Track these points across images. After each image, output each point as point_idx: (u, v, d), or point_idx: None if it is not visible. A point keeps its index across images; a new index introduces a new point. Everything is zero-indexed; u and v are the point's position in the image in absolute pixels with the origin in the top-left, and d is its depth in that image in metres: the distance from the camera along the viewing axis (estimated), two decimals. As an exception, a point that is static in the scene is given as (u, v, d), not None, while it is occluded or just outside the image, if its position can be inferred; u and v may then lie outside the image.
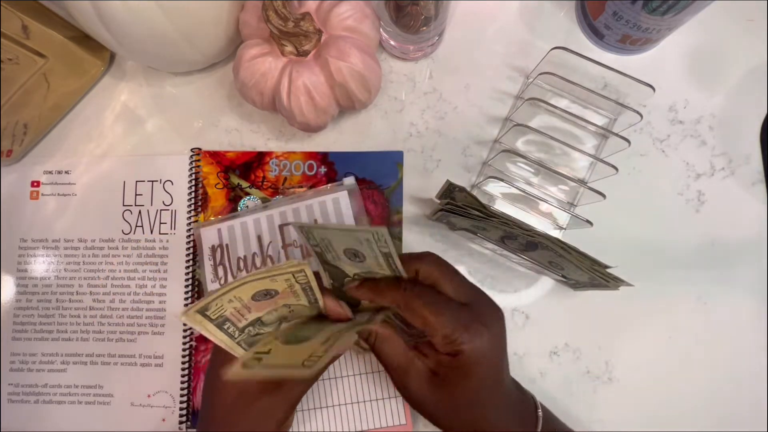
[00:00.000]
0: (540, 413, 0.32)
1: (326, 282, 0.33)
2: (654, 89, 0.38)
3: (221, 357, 0.32)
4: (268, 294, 0.30)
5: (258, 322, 0.31)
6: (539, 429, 0.31)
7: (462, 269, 0.42)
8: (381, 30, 0.41)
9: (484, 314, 0.31)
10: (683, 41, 0.44)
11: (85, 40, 0.43)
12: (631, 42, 0.42)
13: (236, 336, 0.31)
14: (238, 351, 0.31)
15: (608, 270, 0.33)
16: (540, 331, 0.41)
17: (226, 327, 0.30)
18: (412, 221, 0.43)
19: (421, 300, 0.29)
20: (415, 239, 0.42)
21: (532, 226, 0.32)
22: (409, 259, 0.31)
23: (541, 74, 0.39)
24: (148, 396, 0.41)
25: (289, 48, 0.37)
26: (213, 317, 0.30)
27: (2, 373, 0.42)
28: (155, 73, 0.46)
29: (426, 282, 0.31)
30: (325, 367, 0.32)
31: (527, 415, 0.32)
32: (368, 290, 0.32)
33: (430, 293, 0.30)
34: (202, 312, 0.29)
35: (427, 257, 0.32)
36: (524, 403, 0.32)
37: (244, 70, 0.38)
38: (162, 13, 0.35)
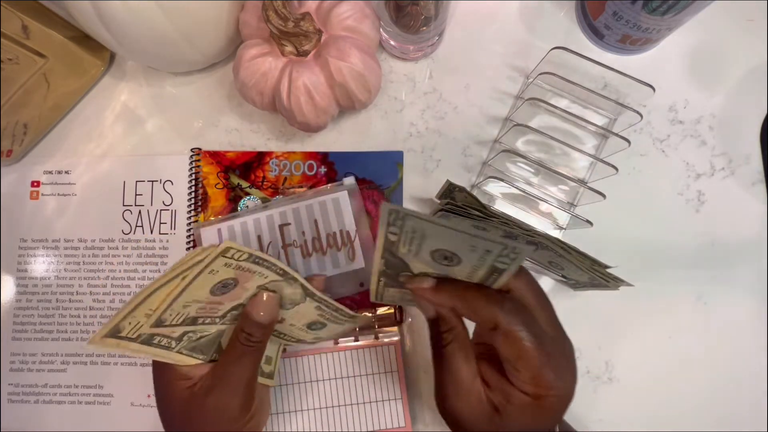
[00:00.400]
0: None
1: (378, 267, 0.27)
2: (654, 89, 0.38)
3: (162, 369, 0.30)
4: (225, 285, 0.28)
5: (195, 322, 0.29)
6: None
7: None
8: (381, 30, 0.41)
9: (571, 355, 0.27)
10: (683, 41, 0.44)
11: (85, 40, 0.43)
12: (631, 42, 0.42)
13: (173, 346, 0.29)
14: (178, 359, 0.29)
15: (608, 270, 0.33)
16: (540, 331, 0.41)
17: (155, 341, 0.28)
18: (412, 221, 0.42)
19: (527, 331, 0.25)
20: (415, 239, 0.42)
21: (532, 226, 0.32)
22: None
23: (541, 74, 0.39)
24: (148, 396, 0.41)
25: (289, 48, 0.37)
26: (133, 336, 0.26)
27: (2, 373, 0.42)
28: (155, 73, 0.46)
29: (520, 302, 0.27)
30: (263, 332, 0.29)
31: None
32: (452, 296, 0.27)
33: (535, 323, 0.26)
34: (114, 335, 0.26)
35: (523, 276, 0.27)
36: None
37: (244, 70, 0.38)
38: (162, 13, 0.35)
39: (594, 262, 0.32)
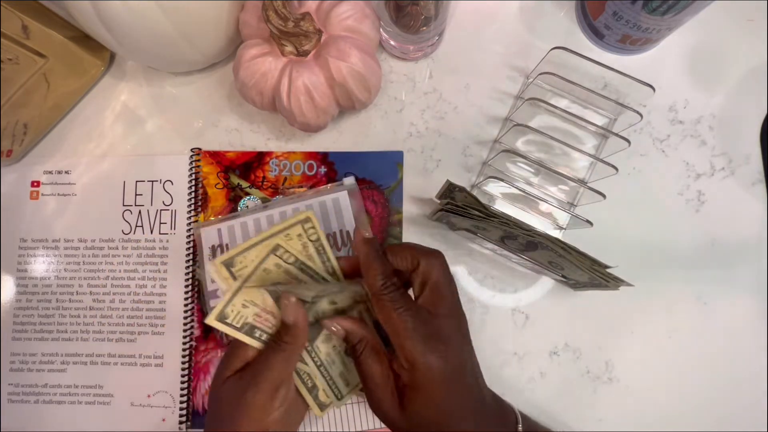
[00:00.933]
0: (520, 428, 0.31)
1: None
2: (654, 89, 0.38)
3: (227, 354, 0.33)
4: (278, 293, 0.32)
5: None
6: None
7: (462, 269, 0.42)
8: (381, 30, 0.41)
9: (450, 333, 0.29)
10: (683, 41, 0.44)
11: (85, 40, 0.43)
12: (631, 42, 0.42)
13: (242, 327, 0.32)
14: (240, 336, 0.32)
15: (608, 270, 0.33)
16: (540, 331, 0.41)
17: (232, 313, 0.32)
18: (412, 221, 0.43)
19: (399, 300, 0.29)
20: (415, 239, 0.42)
21: (532, 226, 0.32)
22: (419, 250, 0.31)
23: (541, 74, 0.39)
24: (148, 396, 0.41)
25: (289, 48, 0.37)
26: (237, 273, 0.31)
27: (2, 373, 0.42)
28: (155, 73, 0.46)
29: (422, 277, 0.30)
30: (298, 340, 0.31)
31: (506, 428, 0.31)
32: (368, 252, 0.30)
33: (408, 300, 0.29)
34: (228, 266, 0.31)
35: (436, 256, 0.31)
36: (503, 417, 0.31)
37: (244, 70, 0.38)
38: (162, 13, 0.35)
39: (594, 262, 0.32)
